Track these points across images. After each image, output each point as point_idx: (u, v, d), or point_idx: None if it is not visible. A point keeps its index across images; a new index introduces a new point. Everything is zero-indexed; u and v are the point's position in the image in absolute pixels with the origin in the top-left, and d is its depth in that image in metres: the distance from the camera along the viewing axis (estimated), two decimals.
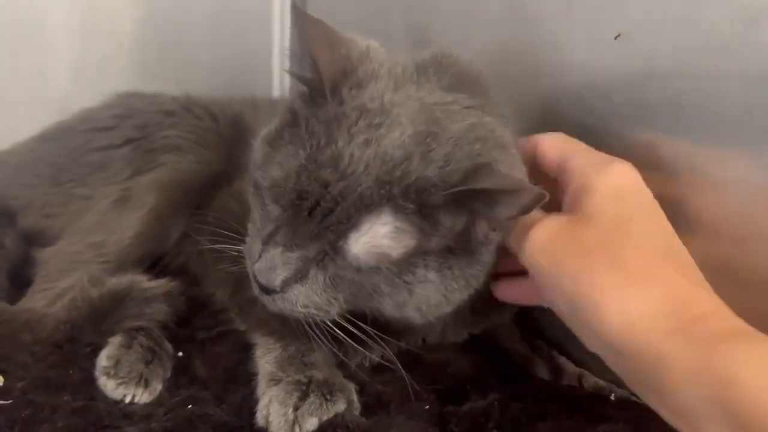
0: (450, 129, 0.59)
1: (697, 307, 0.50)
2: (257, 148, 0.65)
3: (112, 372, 0.68)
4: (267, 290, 0.60)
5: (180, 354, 0.75)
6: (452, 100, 0.62)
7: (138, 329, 0.72)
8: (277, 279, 0.59)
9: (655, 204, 0.59)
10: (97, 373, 0.69)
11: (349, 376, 0.70)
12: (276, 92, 1.31)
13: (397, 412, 0.66)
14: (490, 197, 0.56)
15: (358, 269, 0.59)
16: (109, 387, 0.68)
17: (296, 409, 0.62)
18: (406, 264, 0.59)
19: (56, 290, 0.77)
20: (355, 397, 0.66)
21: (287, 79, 1.31)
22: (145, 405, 0.67)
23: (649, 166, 0.64)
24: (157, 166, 0.85)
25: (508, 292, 0.70)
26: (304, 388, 0.64)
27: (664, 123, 0.68)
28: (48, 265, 0.80)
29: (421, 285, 0.60)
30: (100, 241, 0.81)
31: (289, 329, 0.72)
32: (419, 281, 0.60)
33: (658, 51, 0.68)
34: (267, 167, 0.61)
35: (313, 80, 0.61)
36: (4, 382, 0.67)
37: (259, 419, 0.63)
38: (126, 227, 0.82)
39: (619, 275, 0.53)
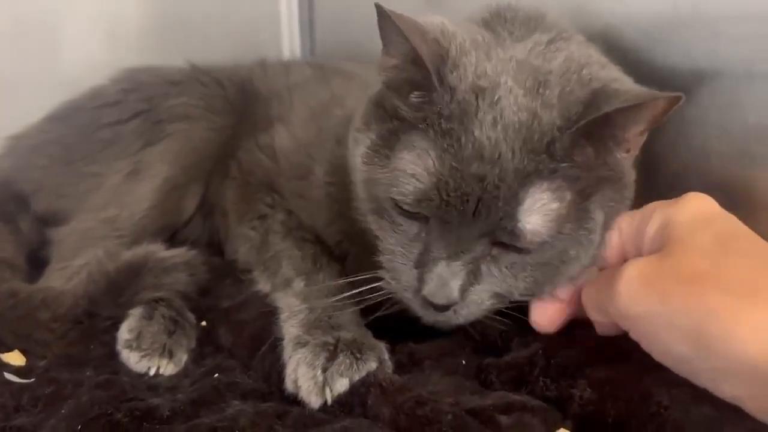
0: (550, 69, 0.59)
1: None
2: (361, 169, 0.62)
3: (134, 344, 0.67)
4: (446, 306, 0.59)
5: (203, 324, 0.73)
6: (534, 44, 0.62)
7: (158, 300, 0.71)
8: (454, 291, 0.58)
9: (742, 224, 0.56)
10: (119, 346, 0.67)
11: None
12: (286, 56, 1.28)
13: (431, 368, 0.63)
14: (617, 120, 0.55)
15: (540, 249, 0.57)
16: (132, 360, 0.66)
17: (325, 370, 0.59)
18: (578, 212, 0.58)
19: (72, 268, 0.75)
20: (386, 355, 0.63)
21: (297, 44, 1.29)
22: (171, 376, 0.66)
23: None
24: (166, 136, 0.83)
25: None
26: (331, 348, 0.61)
27: (712, 66, 0.64)
28: (63, 244, 0.79)
29: (593, 232, 0.59)
30: (113, 216, 0.79)
31: (314, 291, 0.69)
32: (596, 224, 0.59)
33: None
34: (398, 182, 0.58)
35: (417, 77, 0.58)
36: (25, 362, 0.66)
37: (288, 384, 0.61)
38: (139, 200, 0.80)
39: (740, 294, 0.49)
